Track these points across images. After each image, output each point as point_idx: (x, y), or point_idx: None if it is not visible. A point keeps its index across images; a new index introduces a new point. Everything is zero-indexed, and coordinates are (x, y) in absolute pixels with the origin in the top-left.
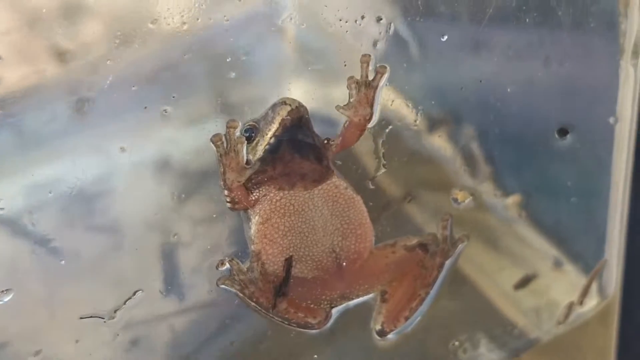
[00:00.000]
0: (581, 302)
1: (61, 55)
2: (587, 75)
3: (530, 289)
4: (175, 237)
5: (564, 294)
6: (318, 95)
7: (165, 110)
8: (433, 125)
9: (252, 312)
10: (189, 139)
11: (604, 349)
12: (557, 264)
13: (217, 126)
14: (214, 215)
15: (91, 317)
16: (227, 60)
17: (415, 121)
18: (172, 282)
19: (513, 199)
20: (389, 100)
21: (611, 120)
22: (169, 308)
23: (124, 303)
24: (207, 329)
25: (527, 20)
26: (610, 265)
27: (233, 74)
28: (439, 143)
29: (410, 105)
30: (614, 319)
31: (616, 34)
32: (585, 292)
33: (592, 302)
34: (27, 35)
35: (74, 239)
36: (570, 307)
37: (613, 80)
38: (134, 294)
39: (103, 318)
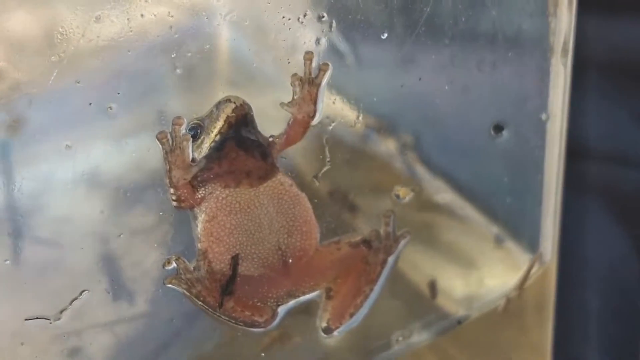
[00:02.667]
0: (518, 295)
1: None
2: (520, 73)
3: (465, 281)
4: (121, 236)
5: (499, 283)
6: (262, 92)
7: (110, 107)
8: (374, 122)
9: (199, 311)
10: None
11: (539, 345)
12: (492, 258)
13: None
14: (160, 213)
15: (37, 318)
16: (172, 56)
17: (358, 117)
18: (118, 282)
19: (450, 195)
20: (332, 97)
21: (543, 116)
22: (115, 307)
23: (70, 303)
24: (153, 328)
25: (463, 18)
26: (545, 257)
27: (178, 71)
28: (381, 140)
29: (352, 102)
30: (550, 314)
31: (546, 33)
32: (521, 285)
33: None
34: None
35: (16, 245)
36: (507, 300)
37: (545, 77)
38: (80, 293)
39: (49, 319)
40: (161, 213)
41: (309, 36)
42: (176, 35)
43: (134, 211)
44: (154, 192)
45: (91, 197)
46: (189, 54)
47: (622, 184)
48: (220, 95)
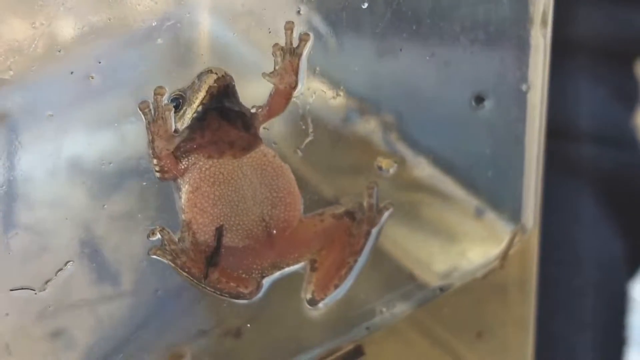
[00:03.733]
0: (502, 266)
1: None
2: (500, 44)
3: (446, 253)
4: (105, 207)
5: (480, 255)
6: (243, 63)
7: (91, 77)
8: (355, 94)
9: (184, 282)
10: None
11: (521, 320)
12: (473, 231)
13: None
14: (144, 183)
15: (22, 288)
16: (153, 24)
17: (339, 89)
18: (102, 253)
19: (431, 169)
20: (313, 68)
21: (524, 87)
22: (100, 278)
23: (55, 274)
24: (138, 299)
25: None
26: (526, 228)
27: (159, 40)
28: (362, 113)
29: (332, 74)
30: (532, 289)
31: (526, 4)
32: (504, 256)
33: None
34: None
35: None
36: (490, 270)
37: (525, 49)
38: (65, 264)
39: (34, 290)
40: (144, 183)
41: (289, 5)
42: (156, 4)
43: (117, 181)
44: (136, 162)
45: (74, 167)
46: (170, 23)
47: (603, 162)
48: (203, 66)
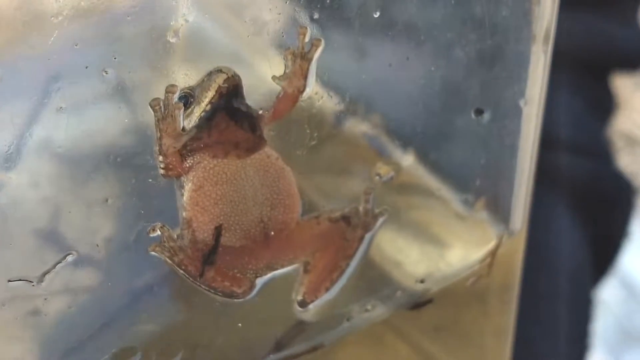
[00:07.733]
0: (488, 274)
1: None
2: (502, 58)
3: (429, 258)
4: (108, 201)
5: (465, 261)
6: (257, 64)
7: (105, 71)
8: (361, 99)
9: (179, 280)
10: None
11: (501, 328)
12: (459, 238)
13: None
14: (150, 180)
15: (20, 280)
16: (170, 23)
17: (346, 93)
18: (104, 247)
19: (423, 175)
20: (321, 73)
21: (521, 102)
22: (97, 272)
23: (54, 267)
24: (136, 294)
25: (453, 1)
26: (512, 233)
27: (174, 39)
28: (365, 118)
29: (341, 79)
30: (513, 298)
31: (529, 21)
32: (490, 265)
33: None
34: None
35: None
36: (477, 279)
37: (525, 64)
38: (65, 257)
39: (32, 282)
40: (150, 180)
41: (304, 11)
42: (173, 3)
43: (122, 175)
44: (143, 159)
45: (81, 160)
46: (185, 23)
47: (577, 171)
48: (214, 66)
